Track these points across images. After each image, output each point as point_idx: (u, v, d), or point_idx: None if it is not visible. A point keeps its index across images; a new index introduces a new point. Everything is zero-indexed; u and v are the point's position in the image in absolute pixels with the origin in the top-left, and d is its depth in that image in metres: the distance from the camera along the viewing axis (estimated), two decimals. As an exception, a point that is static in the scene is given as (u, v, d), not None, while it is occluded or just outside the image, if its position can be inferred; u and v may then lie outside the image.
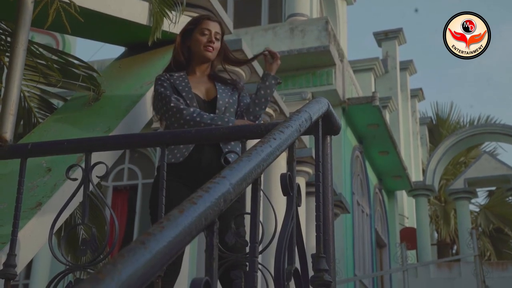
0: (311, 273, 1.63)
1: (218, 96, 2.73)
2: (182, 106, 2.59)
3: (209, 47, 2.78)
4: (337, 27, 13.37)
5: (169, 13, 3.46)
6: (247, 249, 2.12)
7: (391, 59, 16.60)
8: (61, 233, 3.28)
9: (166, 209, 2.44)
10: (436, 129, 20.54)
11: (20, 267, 2.19)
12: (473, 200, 16.99)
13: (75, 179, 2.12)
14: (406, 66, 17.92)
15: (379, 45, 16.97)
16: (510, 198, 17.46)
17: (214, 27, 2.82)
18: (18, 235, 2.06)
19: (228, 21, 4.23)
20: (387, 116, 14.50)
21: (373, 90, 14.02)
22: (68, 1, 2.62)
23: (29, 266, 8.97)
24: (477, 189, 15.88)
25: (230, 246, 2.25)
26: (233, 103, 2.76)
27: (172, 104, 2.60)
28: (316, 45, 10.15)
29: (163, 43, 3.60)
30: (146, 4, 3.54)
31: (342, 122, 10.21)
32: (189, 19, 3.86)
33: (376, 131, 11.52)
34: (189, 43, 2.83)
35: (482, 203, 19.54)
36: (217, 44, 2.82)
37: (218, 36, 2.83)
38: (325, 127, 1.88)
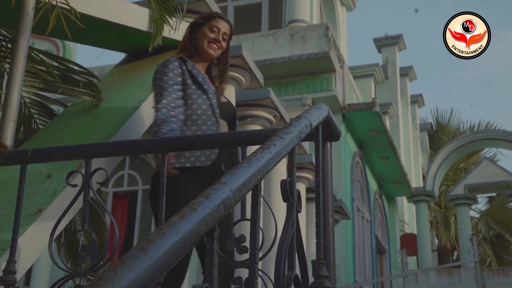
0: (311, 279, 1.63)
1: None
2: (171, 113, 2.55)
3: (214, 45, 2.75)
4: (337, 33, 13.39)
5: (169, 19, 3.47)
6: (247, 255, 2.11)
7: (391, 65, 16.64)
8: (61, 240, 3.28)
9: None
10: (436, 135, 20.56)
11: (20, 274, 2.19)
12: (473, 206, 16.99)
13: (75, 185, 2.12)
14: (406, 72, 17.96)
15: (379, 51, 17.01)
16: (511, 204, 17.45)
17: (224, 26, 2.79)
18: (18, 242, 2.06)
19: (228, 27, 4.23)
20: (387, 122, 14.51)
21: (373, 96, 14.03)
22: (69, 8, 2.62)
23: (29, 273, 8.95)
24: (478, 195, 15.87)
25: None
26: None
27: (164, 101, 2.56)
28: (316, 51, 10.17)
29: (163, 49, 3.61)
30: (147, 10, 3.54)
31: (342, 128, 10.22)
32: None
33: (376, 137, 11.53)
34: (196, 36, 2.80)
35: (483, 209, 19.54)
36: (223, 44, 2.79)
37: (226, 37, 2.80)
38: (325, 133, 1.88)
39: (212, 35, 2.75)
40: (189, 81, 2.64)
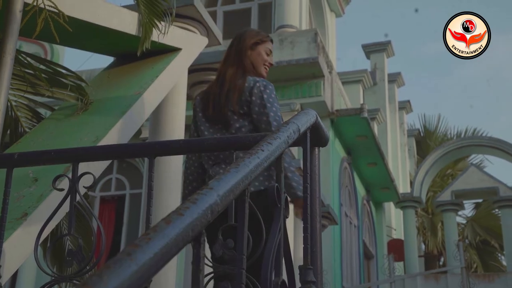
0: (298, 284, 1.63)
1: None
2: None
3: (267, 68, 2.83)
4: (326, 39, 13.45)
5: (158, 23, 3.47)
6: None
7: (380, 71, 16.73)
8: (47, 244, 3.25)
9: None
10: (424, 141, 20.67)
11: (5, 278, 2.17)
12: (460, 212, 17.08)
13: (61, 190, 2.10)
14: (394, 78, 18.08)
15: (368, 57, 17.10)
16: (497, 210, 17.54)
17: (272, 49, 2.88)
18: (3, 246, 2.04)
19: (218, 32, 4.23)
20: (375, 128, 14.56)
21: (361, 102, 14.09)
22: (57, 11, 2.61)
23: (14, 277, 8.87)
24: (464, 201, 15.97)
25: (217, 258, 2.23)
26: None
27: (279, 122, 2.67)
28: (305, 56, 10.20)
29: (152, 53, 3.60)
30: (136, 14, 3.54)
31: (330, 133, 10.24)
32: (178, 30, 3.87)
33: (364, 143, 11.57)
34: (250, 53, 2.82)
35: (469, 215, 19.67)
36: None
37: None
38: (313, 138, 1.89)
39: (268, 59, 2.83)
40: None
